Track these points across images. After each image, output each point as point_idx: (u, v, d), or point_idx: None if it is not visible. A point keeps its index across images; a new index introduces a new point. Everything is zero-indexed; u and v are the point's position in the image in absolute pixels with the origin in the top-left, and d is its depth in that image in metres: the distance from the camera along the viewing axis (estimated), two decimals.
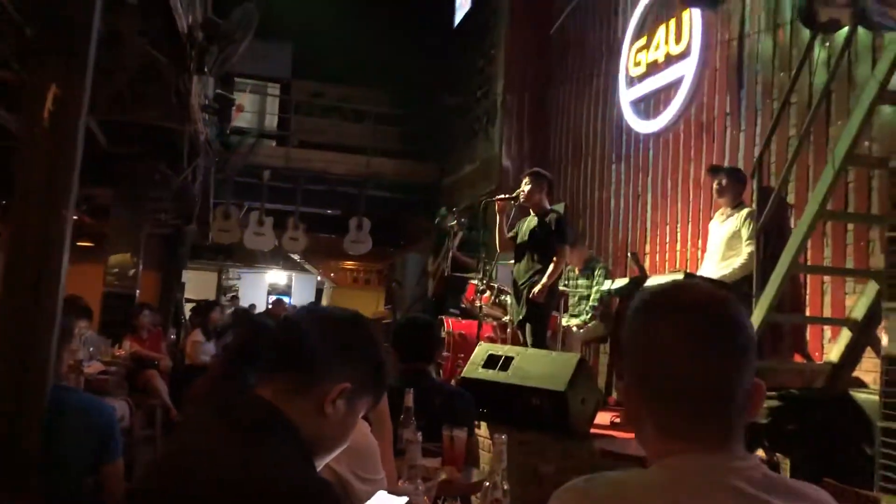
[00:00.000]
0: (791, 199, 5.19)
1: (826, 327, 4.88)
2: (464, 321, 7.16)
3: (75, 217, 10.29)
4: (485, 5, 11.35)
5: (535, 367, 4.50)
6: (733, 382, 1.04)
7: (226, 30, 5.06)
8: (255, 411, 1.25)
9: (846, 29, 4.14)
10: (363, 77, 13.51)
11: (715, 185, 5.36)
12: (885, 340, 3.43)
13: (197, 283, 16.08)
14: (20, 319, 2.26)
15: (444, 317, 7.24)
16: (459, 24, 12.62)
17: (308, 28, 13.30)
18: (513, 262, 6.24)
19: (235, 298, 16.55)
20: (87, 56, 2.45)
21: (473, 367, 5.02)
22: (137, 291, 8.50)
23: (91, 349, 6.04)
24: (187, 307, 12.11)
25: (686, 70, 6.65)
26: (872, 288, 4.27)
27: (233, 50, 5.47)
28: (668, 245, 6.74)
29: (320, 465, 1.33)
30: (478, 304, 6.66)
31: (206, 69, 5.27)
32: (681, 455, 1.03)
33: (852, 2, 2.76)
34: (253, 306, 14.30)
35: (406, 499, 1.63)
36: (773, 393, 4.18)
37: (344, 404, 1.30)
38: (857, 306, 4.41)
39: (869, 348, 4.38)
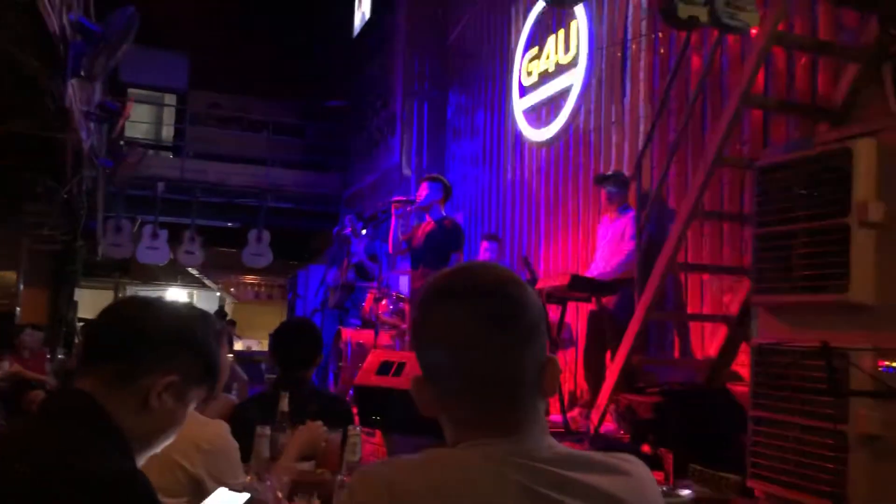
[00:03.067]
0: (671, 200, 5.38)
1: (706, 324, 5.06)
2: (362, 331, 7.10)
3: None
4: (383, 16, 11.37)
5: None
6: (519, 365, 1.03)
7: (104, 33, 4.88)
8: (69, 402, 1.21)
9: (717, 35, 4.34)
10: (262, 87, 13.32)
11: (604, 194, 5.52)
12: (754, 333, 3.57)
13: (92, 302, 15.40)
14: None
15: (342, 327, 7.17)
16: (358, 34, 12.60)
17: (205, 39, 13.05)
18: (410, 269, 6.25)
19: None
20: None
21: (366, 375, 4.98)
22: (18, 309, 8.08)
23: None
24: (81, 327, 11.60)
25: (574, 79, 6.82)
26: (746, 285, 4.45)
27: (113, 55, 5.27)
28: (560, 249, 6.88)
29: (145, 456, 1.28)
30: (376, 312, 6.62)
31: (82, 73, 5.07)
32: (467, 442, 1.02)
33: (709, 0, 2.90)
34: None
35: (247, 496, 1.58)
36: (657, 389, 4.31)
37: (171, 397, 1.26)
38: (733, 303, 4.59)
39: (745, 343, 4.56)
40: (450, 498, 0.96)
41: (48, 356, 8.50)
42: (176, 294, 19.59)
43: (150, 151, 12.33)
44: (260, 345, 12.58)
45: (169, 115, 14.21)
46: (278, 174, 12.30)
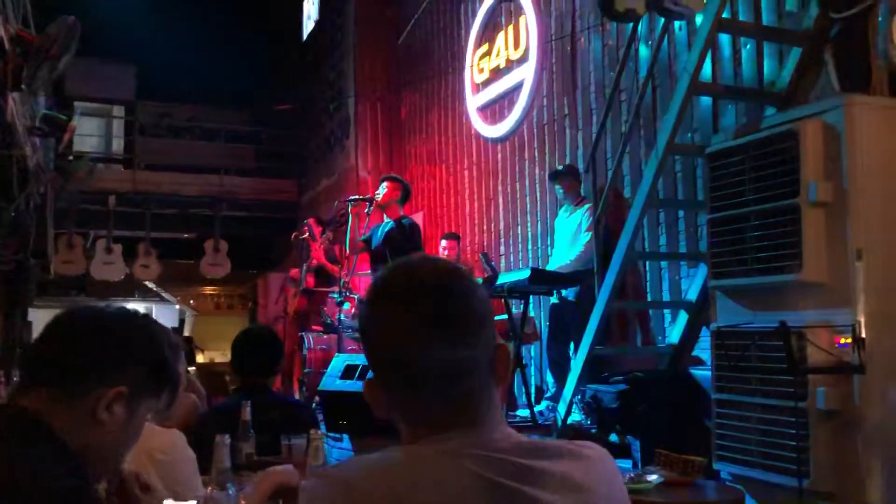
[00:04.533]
0: (627, 191, 5.42)
1: (666, 311, 5.11)
2: (326, 336, 7.03)
3: None
4: (332, 18, 11.30)
5: None
6: (469, 358, 1.02)
7: (42, 44, 4.75)
8: (11, 420, 1.16)
9: (662, 23, 4.38)
10: (213, 95, 13.14)
11: (559, 189, 5.55)
12: (714, 317, 3.62)
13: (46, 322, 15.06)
14: None
15: (304, 333, 7.10)
16: (308, 37, 12.50)
17: (152, 48, 12.84)
18: (369, 270, 6.21)
19: None
20: None
21: (331, 380, 4.93)
22: None
23: None
24: None
25: (525, 74, 6.84)
26: (704, 271, 4.51)
27: (55, 67, 5.14)
28: (520, 244, 6.90)
29: (107, 469, 1.24)
30: (338, 316, 6.56)
31: (22, 86, 4.93)
32: (423, 440, 1.01)
33: None
34: None
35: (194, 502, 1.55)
36: (621, 378, 4.34)
37: (123, 409, 1.22)
38: (692, 289, 4.64)
39: (705, 328, 4.62)
40: (409, 495, 0.95)
41: (3, 380, 8.27)
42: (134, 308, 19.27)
43: (100, 165, 12.07)
44: (223, 356, 12.41)
45: (118, 127, 13.93)
46: (233, 182, 12.15)
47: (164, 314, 19.29)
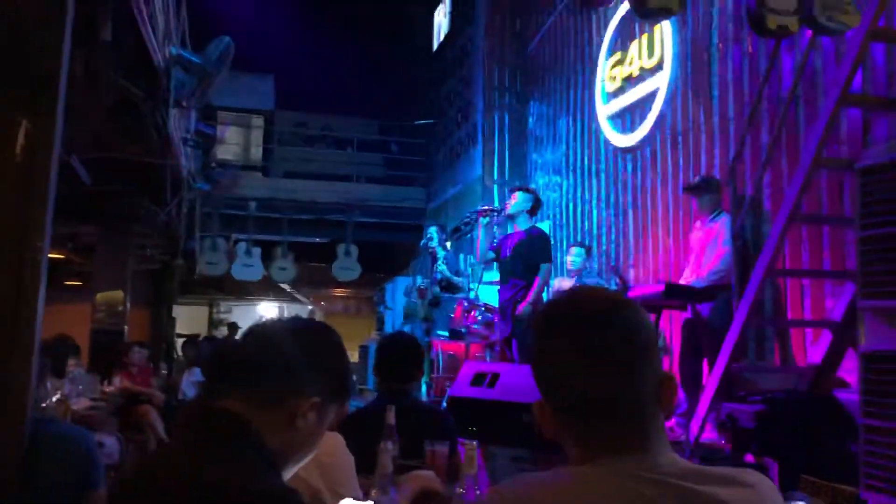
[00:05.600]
0: (767, 204, 5.25)
1: (808, 330, 4.91)
2: (452, 342, 7.18)
3: (62, 256, 10.28)
4: (462, 29, 11.49)
5: (523, 382, 4.51)
6: (636, 387, 1.07)
7: (202, 63, 5.12)
8: (220, 423, 1.27)
9: (811, 34, 4.23)
10: (346, 105, 13.64)
11: (695, 201, 5.44)
12: (862, 340, 3.46)
13: (188, 318, 16.02)
14: None
15: (432, 339, 7.26)
16: (438, 48, 12.76)
17: (289, 60, 13.44)
18: (499, 280, 6.29)
19: (234, 327, 16.34)
20: (56, 89, 2.48)
21: (460, 386, 5.03)
22: (126, 328, 8.49)
23: (80, 386, 6.03)
24: (179, 342, 12.08)
25: (660, 83, 6.74)
26: (850, 289, 4.31)
27: (210, 83, 5.53)
28: (650, 256, 6.79)
29: (289, 474, 1.35)
30: (465, 323, 6.69)
31: (183, 103, 5.32)
32: (594, 461, 1.06)
33: (798, 9, 2.83)
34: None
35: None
36: (759, 398, 4.21)
37: (315, 417, 1.33)
38: (836, 308, 4.45)
39: (851, 349, 4.41)
40: None
41: (153, 371, 8.91)
42: (267, 308, 20.17)
43: (241, 172, 12.76)
44: (351, 357, 12.80)
45: (257, 136, 14.68)
46: (364, 189, 12.57)
47: (295, 314, 20.12)
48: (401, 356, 3.21)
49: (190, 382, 8.57)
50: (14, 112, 2.45)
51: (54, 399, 4.32)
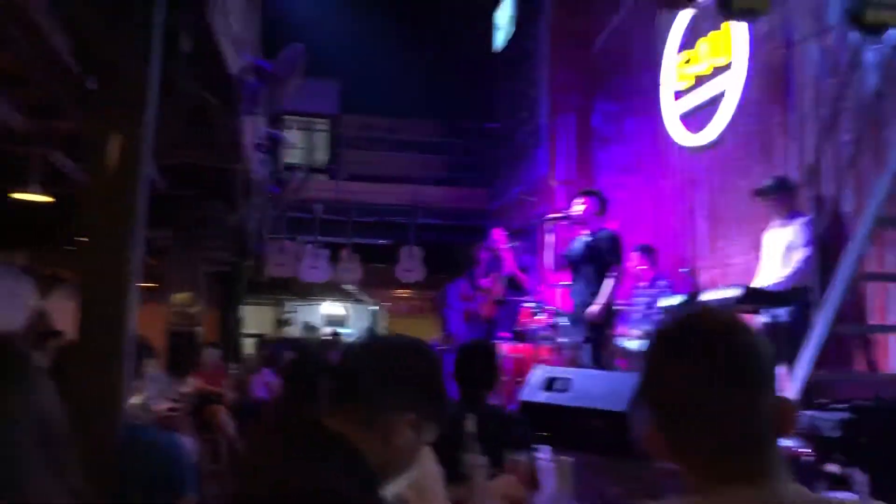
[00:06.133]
0: (848, 206, 5.08)
1: (892, 335, 4.74)
2: (519, 344, 7.15)
3: None
4: (525, 28, 11.43)
5: (595, 387, 4.47)
6: (755, 413, 1.04)
7: (275, 71, 5.22)
8: (324, 441, 1.29)
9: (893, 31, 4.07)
10: (408, 107, 13.72)
11: (769, 204, 5.30)
12: None
13: (254, 318, 16.33)
14: (95, 362, 2.35)
15: (495, 341, 7.24)
16: (501, 49, 12.73)
17: (353, 64, 13.58)
18: (568, 283, 6.24)
19: (312, 328, 16.47)
20: (146, 106, 2.56)
21: (532, 391, 5.01)
22: (200, 329, 8.70)
23: (159, 388, 6.19)
24: (244, 342, 12.34)
25: (732, 81, 6.59)
26: None
27: (282, 90, 5.62)
28: (721, 259, 6.64)
29: (390, 489, 1.36)
30: (533, 326, 6.66)
31: (255, 110, 5.43)
32: (713, 491, 1.03)
33: None
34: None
35: None
36: (843, 405, 4.07)
37: (413, 434, 1.34)
38: None
39: None
40: None
41: (225, 372, 9.10)
42: (331, 307, 20.42)
43: (308, 175, 12.95)
44: None
45: (323, 140, 14.88)
46: (426, 191, 12.62)
47: (359, 314, 20.33)
48: (478, 363, 3.22)
49: (261, 383, 8.73)
50: (106, 126, 2.55)
51: (137, 401, 4.44)
